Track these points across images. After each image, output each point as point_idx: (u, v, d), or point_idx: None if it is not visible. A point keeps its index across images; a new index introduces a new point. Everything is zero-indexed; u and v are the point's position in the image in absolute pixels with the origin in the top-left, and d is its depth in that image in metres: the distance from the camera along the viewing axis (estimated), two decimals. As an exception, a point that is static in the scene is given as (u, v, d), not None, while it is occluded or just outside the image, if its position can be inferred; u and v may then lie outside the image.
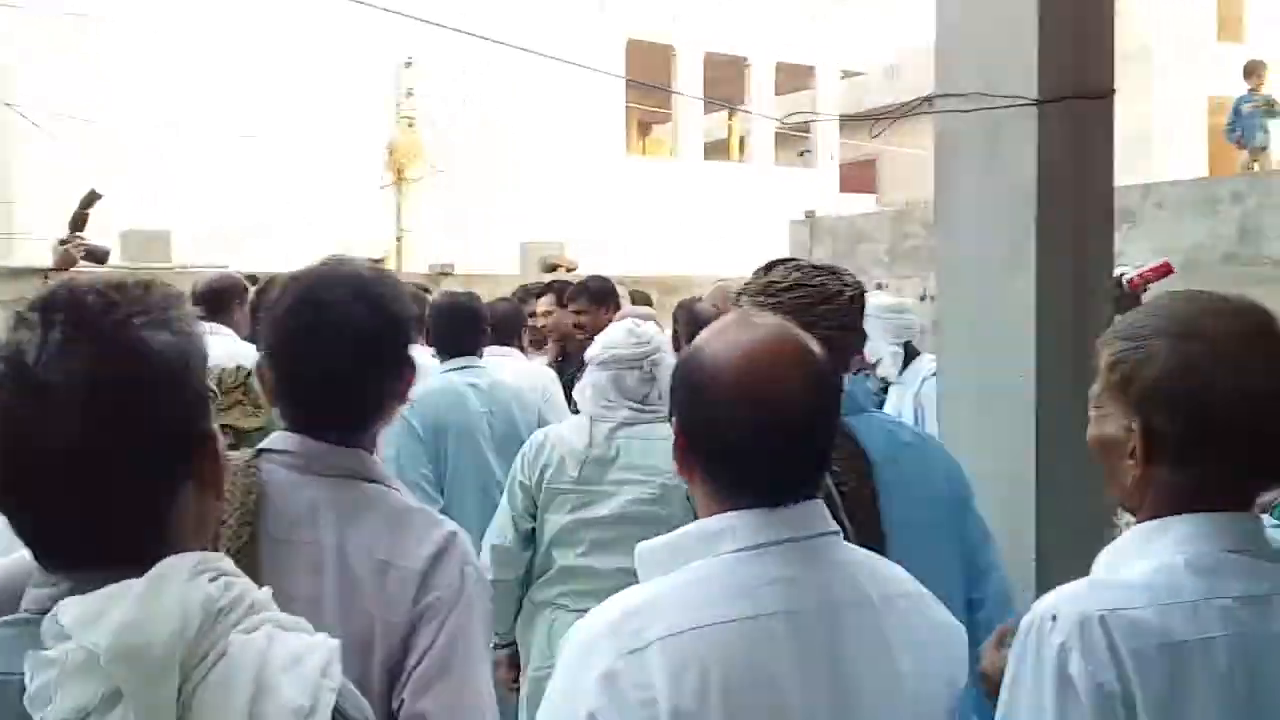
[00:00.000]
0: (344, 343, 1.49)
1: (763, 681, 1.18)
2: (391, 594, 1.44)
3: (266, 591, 0.95)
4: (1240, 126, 9.14)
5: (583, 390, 2.82)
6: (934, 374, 3.25)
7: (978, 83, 2.53)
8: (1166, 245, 7.64)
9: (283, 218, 13.73)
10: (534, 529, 2.77)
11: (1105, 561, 1.25)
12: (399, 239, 14.35)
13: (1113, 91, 2.56)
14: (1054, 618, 1.16)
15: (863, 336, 2.06)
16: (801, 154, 18.43)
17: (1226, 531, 1.20)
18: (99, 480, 0.88)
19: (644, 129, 20.64)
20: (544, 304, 5.14)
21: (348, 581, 1.44)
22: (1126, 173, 10.10)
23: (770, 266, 2.05)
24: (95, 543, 0.90)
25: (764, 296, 1.96)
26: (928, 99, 2.73)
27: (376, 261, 1.57)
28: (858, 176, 19.69)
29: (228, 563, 0.95)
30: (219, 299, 3.81)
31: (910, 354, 4.18)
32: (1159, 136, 16.02)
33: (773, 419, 1.24)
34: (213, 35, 14.25)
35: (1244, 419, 1.17)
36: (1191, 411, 1.18)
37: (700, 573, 1.24)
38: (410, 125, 14.86)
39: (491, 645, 1.85)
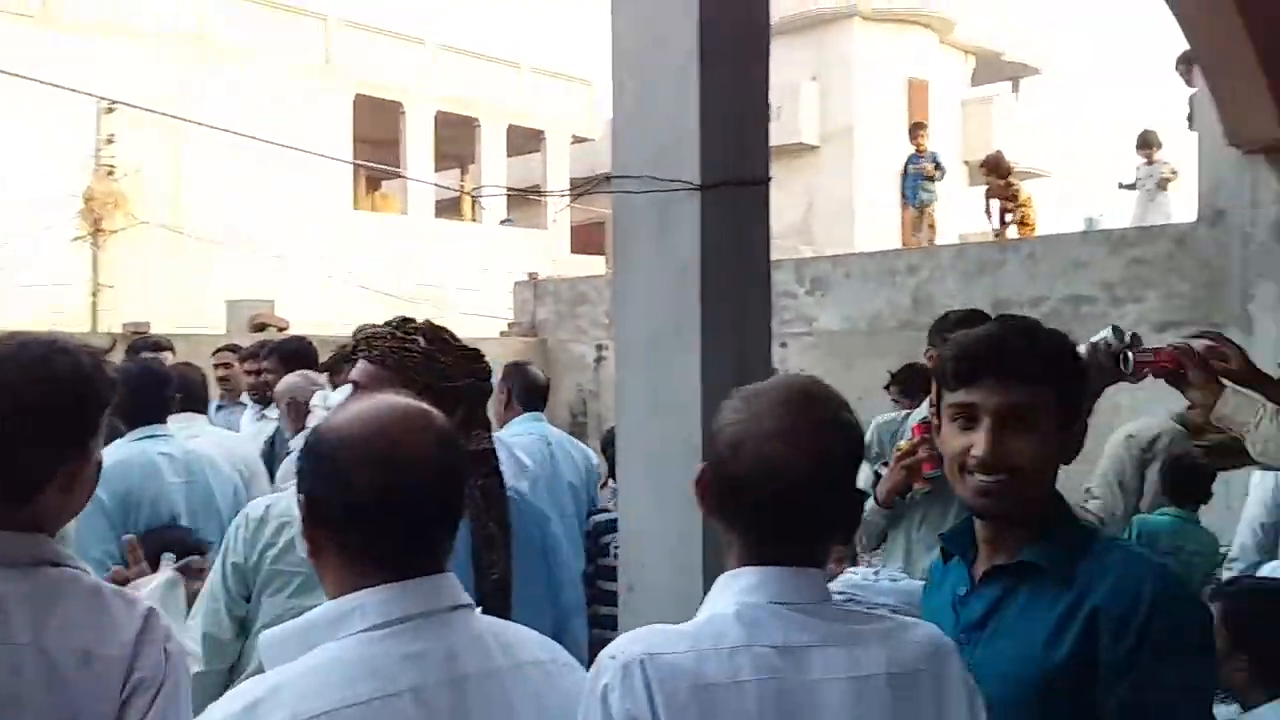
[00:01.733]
0: (13, 422, 1.45)
1: None
2: (96, 684, 1.41)
3: None
4: (906, 187, 10.19)
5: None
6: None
7: (649, 165, 2.70)
8: (853, 311, 8.35)
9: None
10: (246, 615, 2.41)
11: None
12: (94, 295, 13.37)
13: (768, 179, 2.79)
14: (611, 657, 1.28)
15: None
16: (503, 222, 18.76)
17: (780, 584, 1.33)
18: None
19: (373, 184, 20.30)
20: (249, 364, 5.07)
21: (50, 677, 1.40)
22: (829, 245, 10.86)
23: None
24: None
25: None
26: (606, 178, 2.88)
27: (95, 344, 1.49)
28: (589, 238, 20.18)
29: None
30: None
31: None
32: (861, 210, 17.42)
33: (400, 481, 1.27)
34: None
35: (761, 485, 1.31)
36: (722, 474, 1.34)
37: (328, 655, 1.24)
38: (110, 174, 13.95)
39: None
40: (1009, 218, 9.69)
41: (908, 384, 4.69)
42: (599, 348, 9.58)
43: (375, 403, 1.36)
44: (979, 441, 1.58)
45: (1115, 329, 2.36)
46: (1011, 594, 1.61)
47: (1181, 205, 8.42)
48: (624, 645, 1.30)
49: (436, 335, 2.32)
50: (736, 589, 1.34)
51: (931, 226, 9.92)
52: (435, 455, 1.30)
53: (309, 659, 1.25)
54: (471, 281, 15.99)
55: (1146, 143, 9.02)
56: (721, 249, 2.64)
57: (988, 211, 9.96)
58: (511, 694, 1.32)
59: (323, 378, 3.85)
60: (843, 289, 7.96)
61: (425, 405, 1.37)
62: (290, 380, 4.16)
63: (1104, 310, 7.19)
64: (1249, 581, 3.03)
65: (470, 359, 2.35)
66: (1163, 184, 8.79)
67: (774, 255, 2.88)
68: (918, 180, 10.06)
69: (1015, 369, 1.57)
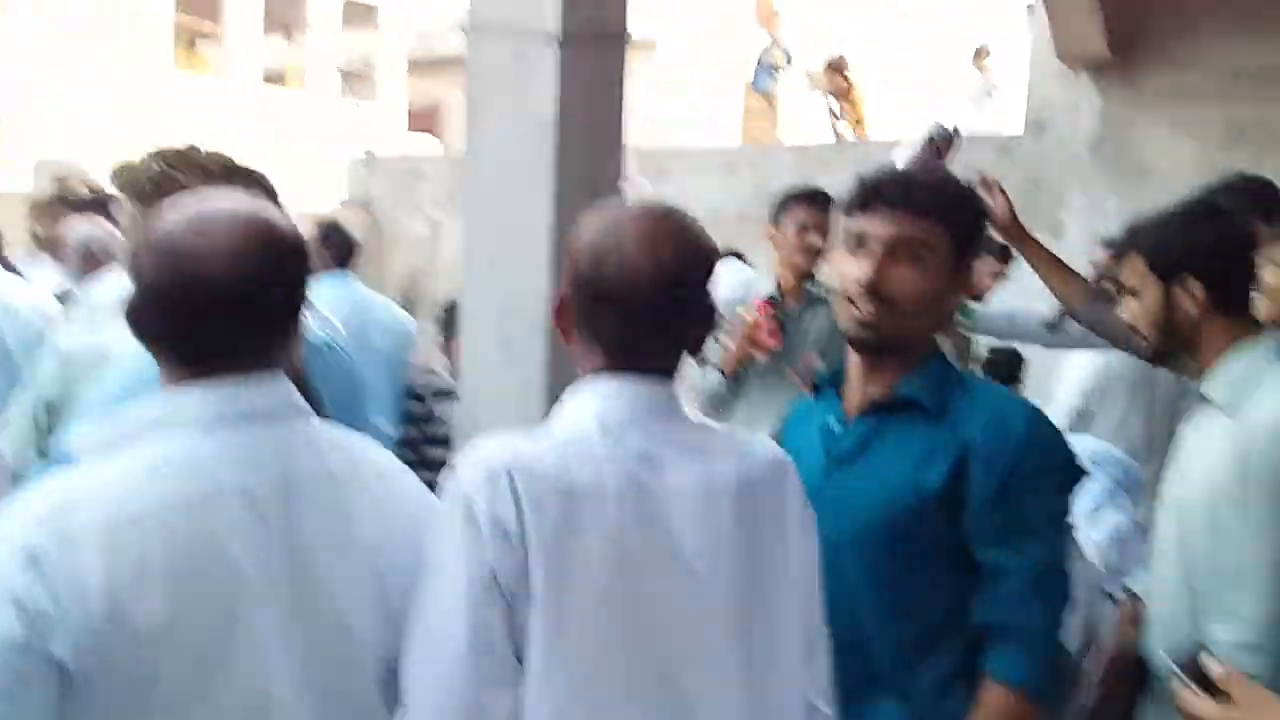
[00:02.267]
0: None
1: (214, 561, 1.16)
2: None
3: None
4: (755, 76, 10.26)
5: None
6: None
7: (506, 15, 2.62)
8: (693, 203, 8.39)
9: None
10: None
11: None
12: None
13: (627, 34, 2.75)
14: (473, 466, 1.29)
15: None
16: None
17: (639, 394, 1.36)
18: None
19: (192, 43, 18.99)
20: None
21: None
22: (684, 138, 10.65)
23: None
24: None
25: None
26: (461, 29, 2.78)
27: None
28: (426, 121, 19.53)
29: None
30: None
31: None
32: (708, 110, 17.39)
33: (189, 270, 1.22)
34: None
35: (627, 292, 1.33)
36: (588, 288, 1.36)
37: (147, 453, 1.19)
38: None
39: None
40: (846, 115, 9.89)
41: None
42: (434, 225, 9.37)
43: (192, 198, 1.31)
44: (865, 269, 1.61)
45: (938, 124, 2.57)
46: (886, 426, 1.68)
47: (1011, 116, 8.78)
48: (486, 454, 1.30)
49: (194, 160, 2.16)
50: (596, 398, 1.37)
51: (773, 121, 10.04)
52: (234, 247, 1.23)
53: (127, 457, 1.20)
54: (300, 153, 15.28)
55: (979, 54, 9.37)
56: (579, 104, 2.61)
57: (831, 111, 10.12)
58: (348, 499, 1.31)
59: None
60: (685, 179, 8.00)
61: (256, 202, 1.32)
62: (80, 227, 3.94)
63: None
64: None
65: (243, 176, 2.16)
66: (990, 93, 9.15)
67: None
68: (768, 70, 10.14)
69: (911, 201, 1.61)
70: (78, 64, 14.07)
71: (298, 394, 1.32)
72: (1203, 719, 1.36)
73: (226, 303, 1.22)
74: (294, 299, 1.31)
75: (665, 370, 1.40)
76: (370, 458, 1.39)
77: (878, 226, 1.62)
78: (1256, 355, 1.83)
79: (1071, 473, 1.67)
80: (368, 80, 18.67)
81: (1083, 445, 3.52)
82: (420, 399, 4.05)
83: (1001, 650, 1.58)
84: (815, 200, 3.46)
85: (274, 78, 18.33)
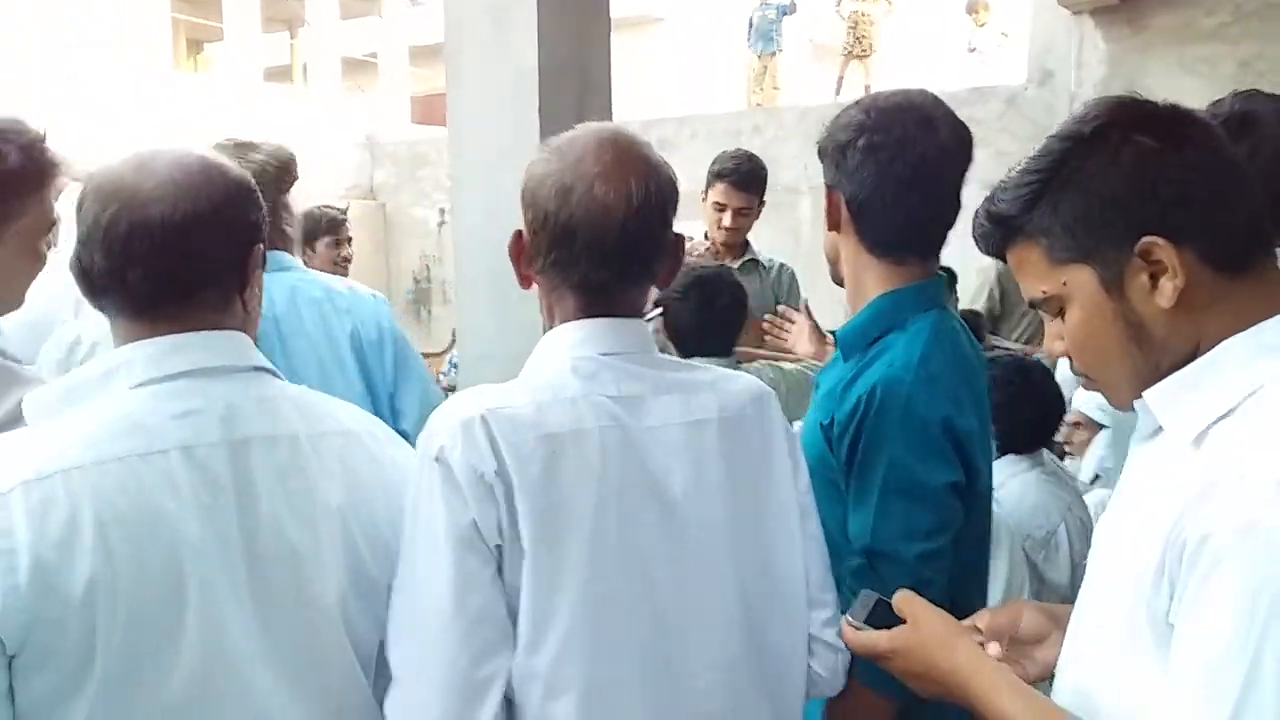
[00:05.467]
0: None
1: (152, 521, 1.11)
2: None
3: None
4: (754, 36, 10.11)
5: None
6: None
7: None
8: (698, 172, 8.32)
9: None
10: None
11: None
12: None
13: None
14: (445, 419, 1.23)
15: None
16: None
17: (609, 335, 1.32)
18: None
19: (194, 46, 19.01)
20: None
21: None
22: (681, 106, 10.56)
23: None
24: None
25: None
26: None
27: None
28: (430, 110, 19.46)
29: None
30: None
31: None
32: (707, 71, 17.27)
33: (125, 216, 1.17)
34: None
35: (594, 227, 1.27)
36: (553, 225, 1.29)
37: (88, 411, 1.14)
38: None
39: None
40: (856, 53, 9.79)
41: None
42: (441, 211, 9.32)
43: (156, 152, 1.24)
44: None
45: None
46: (834, 364, 1.71)
47: (1015, 67, 8.64)
48: (457, 405, 1.25)
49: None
50: (567, 344, 1.32)
51: (775, 86, 9.92)
52: (175, 182, 1.18)
53: (69, 416, 1.15)
54: (303, 148, 15.24)
55: (973, 7, 9.22)
56: (560, 53, 2.54)
57: (841, 78, 10.01)
58: (308, 460, 1.24)
59: None
60: (689, 148, 7.92)
61: (210, 152, 1.26)
62: None
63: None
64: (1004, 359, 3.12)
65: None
66: (989, 47, 9.02)
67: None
68: (766, 26, 10.03)
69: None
70: (75, 65, 14.08)
71: (257, 353, 1.26)
72: (871, 651, 1.28)
73: (165, 240, 1.16)
74: (240, 245, 1.24)
75: (634, 309, 1.36)
76: (340, 419, 1.32)
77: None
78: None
79: (934, 445, 1.53)
80: (370, 70, 18.63)
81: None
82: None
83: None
84: (726, 176, 3.43)
85: (277, 74, 18.34)
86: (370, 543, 1.27)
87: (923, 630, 1.23)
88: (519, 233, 1.35)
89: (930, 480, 1.51)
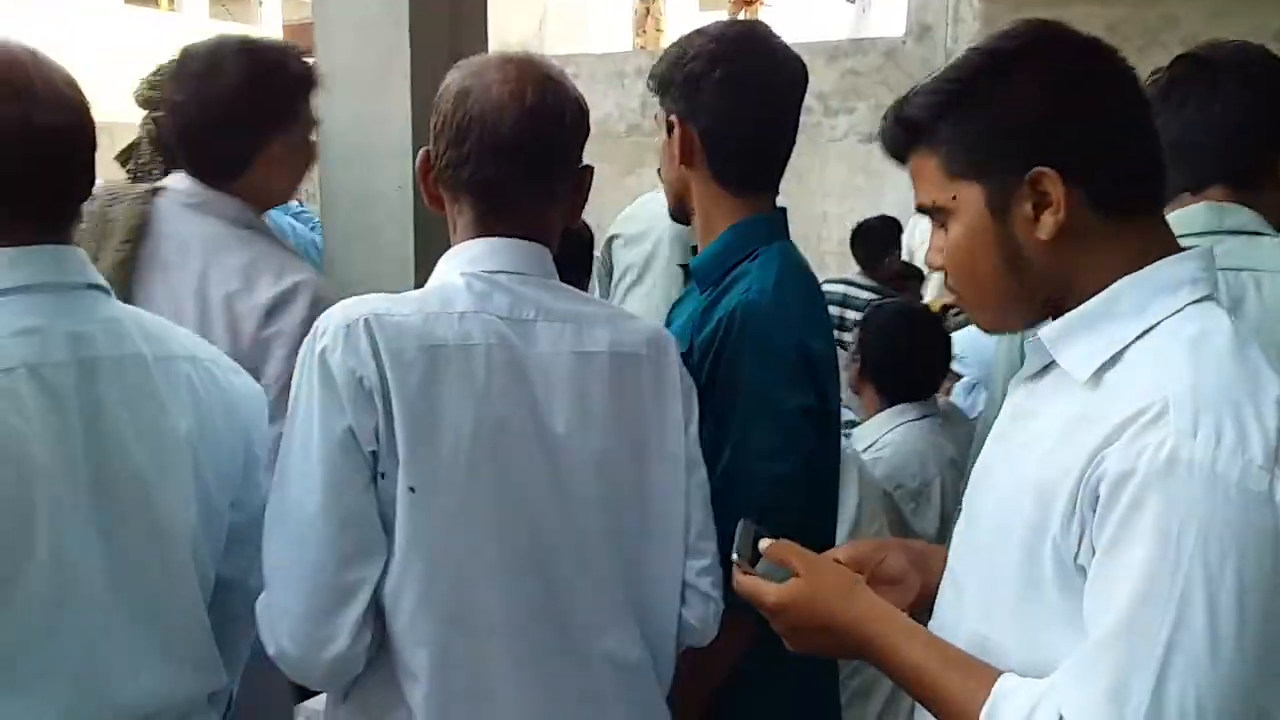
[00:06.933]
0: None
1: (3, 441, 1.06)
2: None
3: None
4: None
5: None
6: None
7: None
8: (581, 112, 8.22)
9: None
10: None
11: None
12: None
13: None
14: (330, 319, 1.21)
15: None
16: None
17: (508, 254, 1.30)
18: None
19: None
20: None
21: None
22: (565, 45, 10.39)
23: None
24: None
25: None
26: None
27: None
28: (304, 37, 18.76)
29: None
30: None
31: None
32: (593, 12, 17.04)
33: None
34: None
35: (491, 127, 1.27)
36: (452, 126, 1.29)
37: None
38: None
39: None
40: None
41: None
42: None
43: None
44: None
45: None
46: (686, 296, 1.72)
47: (893, 20, 8.77)
48: (344, 308, 1.23)
49: None
50: (464, 259, 1.30)
51: (659, 29, 9.86)
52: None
53: None
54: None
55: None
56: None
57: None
58: (158, 383, 1.20)
59: None
60: (570, 89, 7.85)
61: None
62: None
63: (818, 120, 7.46)
64: (890, 306, 3.19)
65: None
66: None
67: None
68: None
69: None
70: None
71: (93, 269, 1.20)
72: (758, 601, 1.19)
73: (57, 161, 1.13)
74: (69, 163, 1.17)
75: (537, 232, 1.33)
76: (184, 344, 1.28)
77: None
78: None
79: (790, 368, 1.53)
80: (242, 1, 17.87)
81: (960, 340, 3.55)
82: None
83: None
84: None
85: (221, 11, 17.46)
86: (216, 472, 1.25)
87: (817, 581, 1.16)
88: (426, 151, 1.34)
89: (786, 402, 1.51)
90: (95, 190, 1.61)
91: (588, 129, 1.34)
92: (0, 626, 1.05)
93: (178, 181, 1.79)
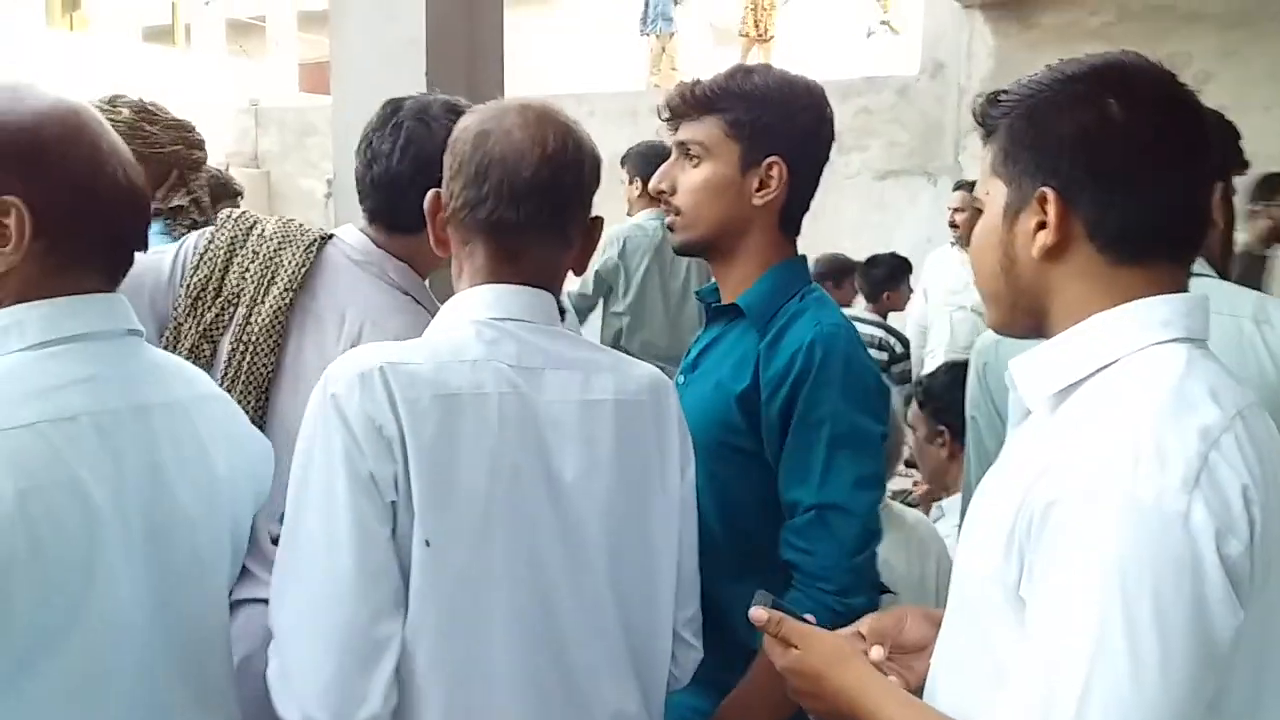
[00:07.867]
0: None
1: (66, 487, 1.03)
2: None
3: None
4: (652, 15, 10.07)
5: None
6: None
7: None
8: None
9: None
10: None
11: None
12: None
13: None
14: (343, 369, 1.19)
15: None
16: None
17: (515, 302, 1.29)
18: None
19: (70, 2, 18.09)
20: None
21: None
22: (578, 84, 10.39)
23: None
24: None
25: None
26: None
27: None
28: (319, 77, 18.93)
29: None
30: None
31: None
32: (604, 50, 17.16)
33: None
34: None
35: (509, 169, 1.26)
36: (469, 168, 1.29)
37: None
38: None
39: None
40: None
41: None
42: (328, 182, 9.07)
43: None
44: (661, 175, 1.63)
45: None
46: (723, 335, 1.66)
47: (908, 57, 8.79)
48: (356, 358, 1.20)
49: (142, 108, 2.40)
50: (471, 306, 1.29)
51: (674, 68, 9.90)
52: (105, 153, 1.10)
53: None
54: (180, 110, 14.67)
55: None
56: (449, 22, 2.45)
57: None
58: (198, 424, 1.19)
59: None
60: (586, 126, 7.86)
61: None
62: None
63: (831, 157, 7.45)
64: (945, 363, 3.22)
65: (178, 128, 2.44)
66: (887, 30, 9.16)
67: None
68: (664, 5, 9.99)
69: (680, 107, 1.61)
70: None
71: (135, 317, 1.19)
72: (773, 659, 1.23)
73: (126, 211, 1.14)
74: (144, 216, 1.19)
75: (546, 278, 1.33)
76: (210, 388, 1.28)
77: (672, 137, 1.63)
78: None
79: (871, 397, 1.53)
80: (257, 34, 18.04)
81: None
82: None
83: (790, 592, 1.48)
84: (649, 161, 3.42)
85: (158, 35, 17.62)
86: (236, 512, 1.24)
87: (813, 652, 1.20)
88: (436, 192, 1.33)
89: (872, 430, 1.52)
90: (269, 231, 1.73)
91: (599, 180, 1.34)
92: (47, 677, 1.02)
93: (348, 234, 1.76)
